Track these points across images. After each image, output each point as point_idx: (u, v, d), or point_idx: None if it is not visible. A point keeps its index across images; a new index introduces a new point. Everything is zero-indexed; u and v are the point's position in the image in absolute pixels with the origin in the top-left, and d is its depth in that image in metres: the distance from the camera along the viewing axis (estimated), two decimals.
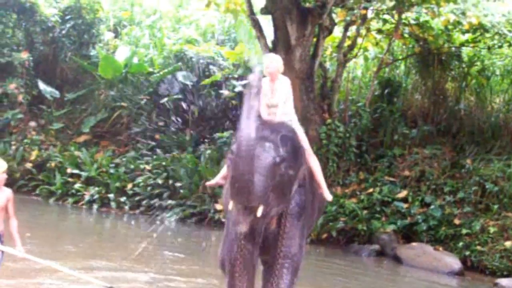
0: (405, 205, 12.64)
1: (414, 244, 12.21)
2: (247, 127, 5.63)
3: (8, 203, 7.07)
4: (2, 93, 17.58)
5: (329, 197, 7.39)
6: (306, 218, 6.95)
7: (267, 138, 6.13)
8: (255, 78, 5.90)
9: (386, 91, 14.54)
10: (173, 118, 16.15)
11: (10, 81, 17.52)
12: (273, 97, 7.16)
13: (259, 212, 5.82)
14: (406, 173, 13.21)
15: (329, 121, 13.14)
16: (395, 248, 12.26)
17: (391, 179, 13.18)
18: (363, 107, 13.86)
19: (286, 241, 6.64)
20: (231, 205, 5.95)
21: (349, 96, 14.43)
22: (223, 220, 11.46)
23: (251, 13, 13.12)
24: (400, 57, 15.30)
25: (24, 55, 17.76)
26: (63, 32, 18.40)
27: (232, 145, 6.04)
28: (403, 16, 13.82)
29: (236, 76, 15.81)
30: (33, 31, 18.44)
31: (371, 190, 12.96)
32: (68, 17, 18.52)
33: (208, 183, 7.31)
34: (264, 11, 12.98)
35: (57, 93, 17.82)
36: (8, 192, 7.06)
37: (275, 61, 7.19)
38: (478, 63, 14.98)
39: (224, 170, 6.92)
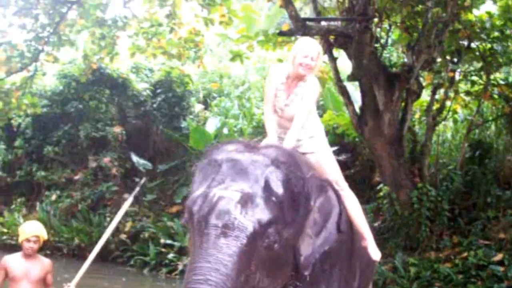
0: (501, 269, 12.31)
1: None
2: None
3: (47, 275, 6.61)
4: (96, 166, 18.06)
5: (375, 254, 5.12)
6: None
7: (241, 190, 3.92)
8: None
9: (477, 153, 14.34)
10: None
11: (104, 155, 17.99)
12: (289, 104, 5.00)
13: None
14: (501, 235, 12.91)
15: (420, 185, 13.01)
16: None
17: (486, 242, 12.89)
18: (454, 170, 13.69)
19: None
20: None
21: (439, 159, 14.27)
22: None
23: (338, 80, 13.20)
24: (490, 118, 15.11)
25: (118, 129, 18.25)
26: (155, 105, 18.86)
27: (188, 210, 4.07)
28: (492, 76, 13.70)
29: None
30: (126, 105, 18.94)
31: (465, 254, 12.70)
32: (159, 90, 19.00)
33: None
34: (351, 78, 13.05)
35: (149, 165, 18.20)
36: (46, 263, 6.64)
37: (318, 54, 4.98)
38: None
39: None
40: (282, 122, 5.06)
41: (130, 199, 7.46)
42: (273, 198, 3.95)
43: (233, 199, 3.86)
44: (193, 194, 4.10)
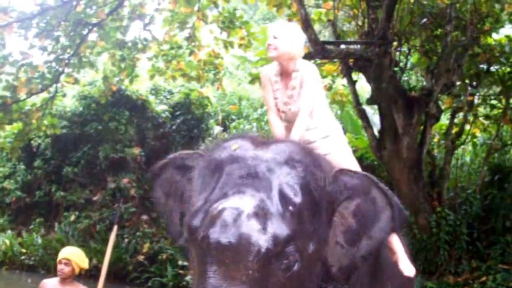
0: None
1: None
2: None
3: None
4: (115, 187, 18.10)
5: (408, 270, 4.17)
6: None
7: (251, 200, 3.17)
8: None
9: (496, 177, 14.27)
10: None
11: (123, 176, 18.04)
12: (289, 101, 4.23)
13: None
14: None
15: (439, 209, 12.96)
16: None
17: (505, 266, 12.79)
18: (473, 194, 13.63)
19: None
20: None
21: (458, 183, 14.21)
22: None
23: (357, 103, 13.21)
24: (510, 142, 15.05)
25: (136, 151, 18.32)
26: (174, 127, 18.93)
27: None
28: (511, 100, 13.67)
29: None
30: (145, 127, 19.02)
31: (484, 278, 12.61)
32: (178, 112, 19.08)
33: None
34: (370, 101, 13.06)
35: None
36: None
37: (286, 36, 4.18)
38: None
39: None
40: (290, 126, 4.20)
41: (115, 228, 7.54)
42: (290, 208, 3.21)
43: (241, 212, 3.10)
44: (193, 207, 3.36)
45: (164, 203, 3.91)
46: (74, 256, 6.60)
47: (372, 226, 3.49)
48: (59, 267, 6.56)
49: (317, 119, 4.25)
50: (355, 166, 4.15)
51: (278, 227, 3.09)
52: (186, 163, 3.78)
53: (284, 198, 3.23)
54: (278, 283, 3.12)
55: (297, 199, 3.26)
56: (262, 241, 3.03)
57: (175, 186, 3.83)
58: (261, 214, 3.11)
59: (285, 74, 4.25)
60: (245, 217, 3.07)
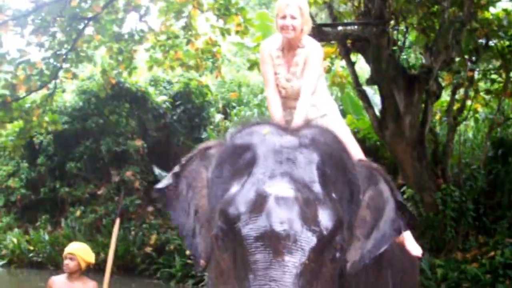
0: None
1: None
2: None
3: None
4: (119, 180, 18.10)
5: (415, 250, 4.39)
6: None
7: (296, 187, 2.91)
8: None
9: (500, 151, 14.24)
10: None
11: (127, 169, 18.04)
12: (291, 78, 4.15)
13: None
14: None
15: (444, 186, 12.93)
16: None
17: None
18: (477, 170, 13.59)
19: None
20: None
21: (462, 160, 14.17)
22: None
23: (357, 84, 13.17)
24: None
25: (139, 143, 18.32)
26: (174, 117, 18.93)
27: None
28: (511, 74, 13.63)
29: None
30: (146, 118, 19.01)
31: (492, 253, 12.59)
32: (178, 102, 19.08)
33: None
34: (370, 81, 13.01)
35: None
36: (90, 285, 6.66)
37: (299, 9, 4.05)
38: None
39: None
40: (288, 102, 4.15)
41: (117, 221, 7.57)
42: (333, 195, 2.99)
43: (289, 199, 2.82)
44: (227, 194, 3.00)
45: (186, 196, 3.52)
46: (78, 251, 6.62)
47: (380, 218, 3.31)
48: (65, 262, 6.59)
49: (315, 97, 4.14)
50: (356, 147, 4.10)
51: (328, 215, 2.86)
52: (208, 152, 3.51)
53: (326, 185, 3.01)
54: (327, 274, 2.87)
55: (338, 186, 3.08)
56: (315, 231, 2.79)
57: (197, 178, 3.52)
58: (309, 201, 2.86)
59: (287, 49, 4.13)
60: (293, 205, 2.82)
